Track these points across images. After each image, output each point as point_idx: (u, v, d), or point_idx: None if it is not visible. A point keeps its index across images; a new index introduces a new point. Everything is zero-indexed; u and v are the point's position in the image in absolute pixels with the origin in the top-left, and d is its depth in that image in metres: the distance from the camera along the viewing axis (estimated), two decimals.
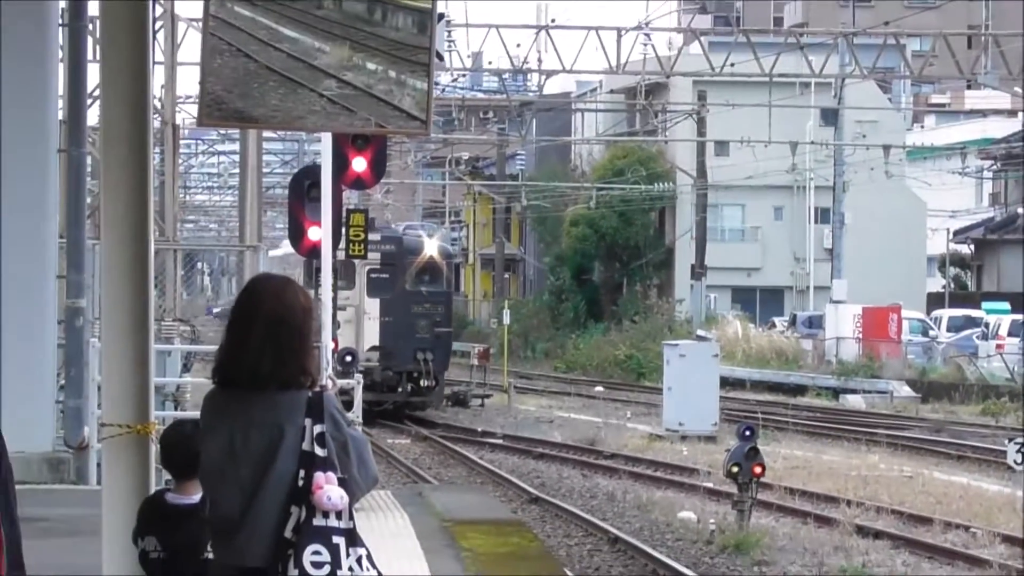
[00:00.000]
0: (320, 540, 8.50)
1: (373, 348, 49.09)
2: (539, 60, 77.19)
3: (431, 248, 51.65)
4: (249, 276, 24.64)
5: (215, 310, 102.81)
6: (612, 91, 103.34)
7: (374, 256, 49.14)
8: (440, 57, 48.12)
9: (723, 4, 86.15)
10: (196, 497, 10.00)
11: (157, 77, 36.52)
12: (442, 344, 51.34)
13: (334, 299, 26.35)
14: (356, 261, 45.50)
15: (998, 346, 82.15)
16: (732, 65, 67.35)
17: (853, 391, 74.05)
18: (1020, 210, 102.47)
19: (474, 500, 29.37)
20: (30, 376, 26.83)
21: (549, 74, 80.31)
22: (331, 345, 25.39)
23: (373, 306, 49.50)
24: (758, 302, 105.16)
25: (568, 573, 23.87)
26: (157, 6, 36.02)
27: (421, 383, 49.77)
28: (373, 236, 49.06)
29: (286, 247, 57.25)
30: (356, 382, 33.87)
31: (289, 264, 60.75)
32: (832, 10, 61.81)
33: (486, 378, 67.98)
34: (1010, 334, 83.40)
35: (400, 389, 49.41)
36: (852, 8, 51.34)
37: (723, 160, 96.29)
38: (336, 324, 45.10)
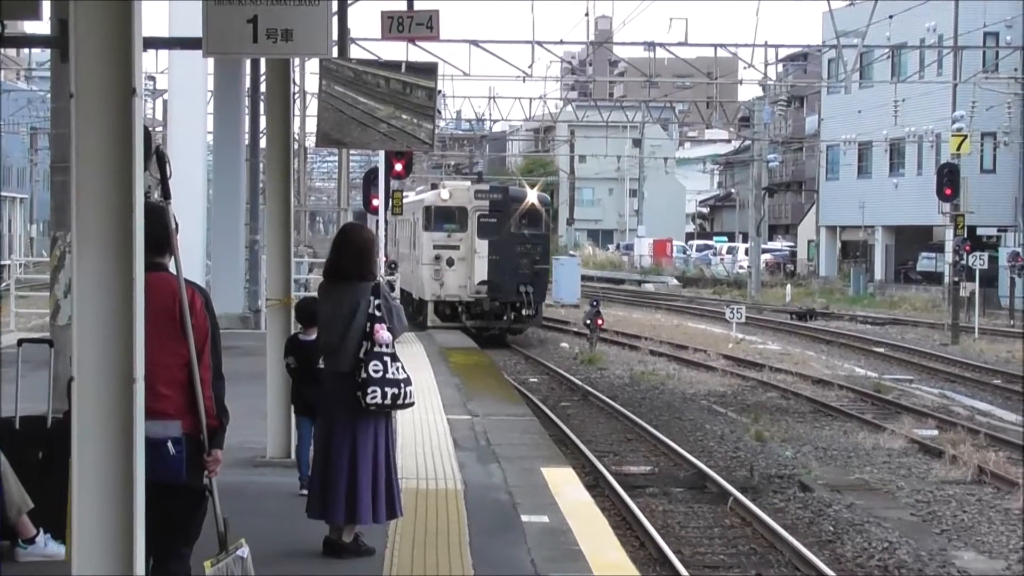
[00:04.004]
0: (377, 358, 8.48)
1: (482, 282, 35.75)
2: (489, 113, 77.53)
3: (532, 197, 37.23)
4: (342, 223, 24.71)
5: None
6: (527, 129, 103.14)
7: (483, 203, 36.35)
8: (439, 112, 47.14)
9: (584, 85, 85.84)
10: (313, 336, 9.94)
11: (295, 122, 36.32)
12: (540, 278, 37.00)
13: (385, 233, 25.77)
14: (468, 207, 36.05)
15: (721, 259, 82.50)
16: (587, 116, 67.23)
17: (648, 281, 74.02)
18: (732, 191, 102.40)
19: (457, 338, 29.34)
20: (231, 274, 26.75)
21: (495, 121, 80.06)
22: (384, 259, 25.15)
23: (483, 246, 35.87)
24: (600, 237, 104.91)
25: (503, 374, 23.87)
26: (295, 87, 35.65)
27: (522, 312, 36.10)
28: (483, 186, 38.16)
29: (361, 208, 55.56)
30: (396, 278, 33.77)
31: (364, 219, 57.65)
32: (639, 88, 61.71)
33: None
34: (727, 252, 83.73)
35: (505, 317, 36.20)
36: (648, 87, 51.48)
37: (583, 165, 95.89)
38: (444, 259, 35.77)
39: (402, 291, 37.75)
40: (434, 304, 35.95)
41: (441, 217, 36.35)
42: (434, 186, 40.08)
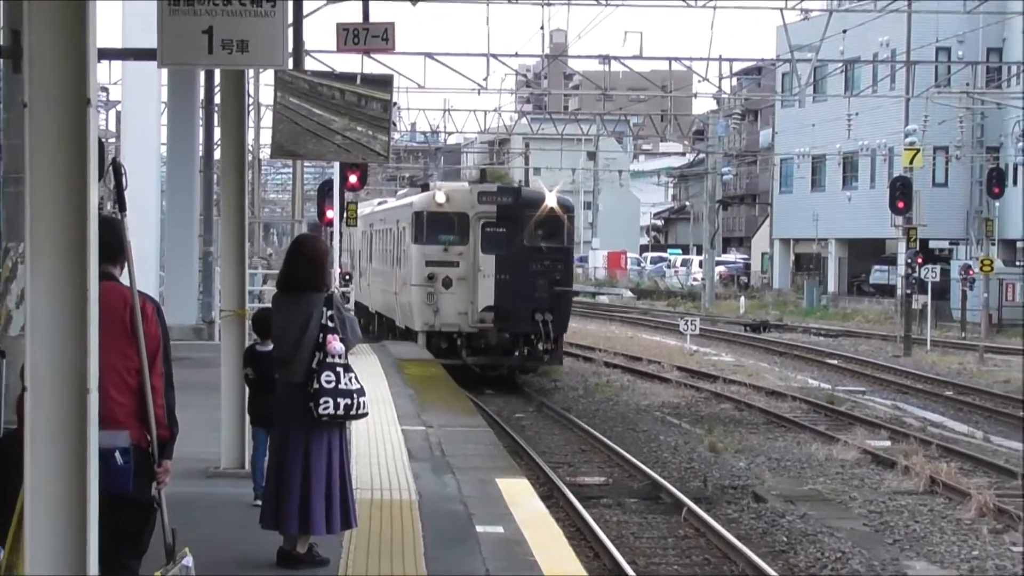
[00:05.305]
0: (330, 369, 8.48)
1: (488, 308, 27.99)
2: (444, 125, 77.51)
3: (551, 200, 28.84)
4: (295, 234, 24.61)
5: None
6: (482, 142, 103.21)
7: (489, 208, 28.51)
8: (394, 124, 46.11)
9: (539, 98, 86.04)
10: (270, 347, 9.90)
11: (249, 134, 36.11)
12: (562, 304, 28.75)
13: (339, 244, 25.33)
14: (470, 214, 28.41)
15: (675, 271, 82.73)
16: (541, 129, 67.39)
17: (602, 293, 74.13)
18: (686, 203, 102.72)
19: (411, 350, 29.09)
20: (185, 286, 26.62)
21: (450, 133, 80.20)
22: (338, 270, 24.91)
23: (488, 263, 28.06)
24: None
25: (458, 386, 23.73)
26: (249, 98, 35.51)
27: (538, 346, 28.13)
28: (489, 187, 30.16)
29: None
30: (350, 289, 32.63)
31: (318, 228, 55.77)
32: (593, 101, 61.73)
33: None
34: (681, 265, 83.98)
35: (516, 353, 28.27)
36: (603, 100, 51.65)
37: (538, 177, 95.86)
38: (440, 279, 28.25)
39: (380, 317, 36.30)
40: (427, 336, 28.92)
41: (436, 226, 28.96)
42: (425, 187, 32.82)
